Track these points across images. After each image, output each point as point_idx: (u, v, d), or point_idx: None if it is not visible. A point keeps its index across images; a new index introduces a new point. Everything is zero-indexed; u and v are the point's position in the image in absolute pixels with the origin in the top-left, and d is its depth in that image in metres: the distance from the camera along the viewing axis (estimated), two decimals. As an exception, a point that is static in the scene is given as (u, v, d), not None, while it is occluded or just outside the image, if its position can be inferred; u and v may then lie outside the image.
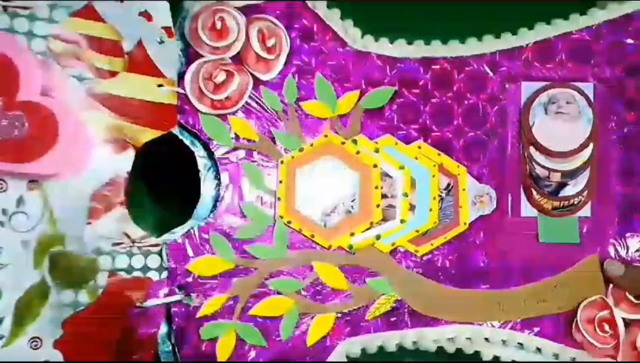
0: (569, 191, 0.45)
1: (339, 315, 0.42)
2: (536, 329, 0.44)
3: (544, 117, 0.45)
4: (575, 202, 0.45)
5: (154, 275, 0.39)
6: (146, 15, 0.40)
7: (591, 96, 0.45)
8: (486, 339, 0.44)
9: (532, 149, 0.45)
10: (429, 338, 0.43)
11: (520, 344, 0.44)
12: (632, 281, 0.43)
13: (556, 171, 0.45)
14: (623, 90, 0.45)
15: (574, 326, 0.44)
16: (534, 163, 0.45)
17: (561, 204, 0.45)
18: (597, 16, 0.45)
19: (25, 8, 0.38)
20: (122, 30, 0.39)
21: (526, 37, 0.45)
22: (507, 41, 0.45)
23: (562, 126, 0.45)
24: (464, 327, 0.43)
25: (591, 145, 0.45)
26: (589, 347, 0.43)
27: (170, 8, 0.40)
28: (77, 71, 0.38)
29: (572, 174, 0.45)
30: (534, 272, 0.44)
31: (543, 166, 0.45)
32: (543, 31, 0.45)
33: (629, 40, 0.45)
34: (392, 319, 0.43)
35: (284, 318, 0.41)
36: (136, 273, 0.38)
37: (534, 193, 0.45)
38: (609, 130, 0.45)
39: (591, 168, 0.45)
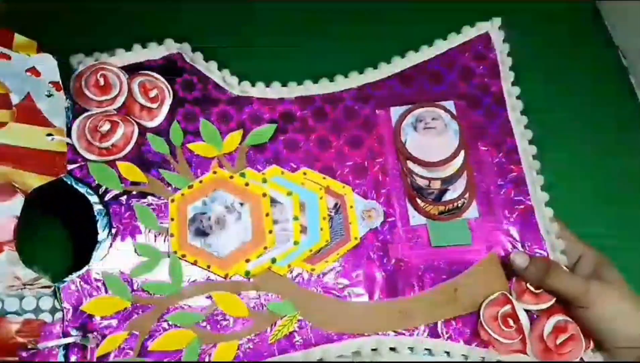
0: (450, 195, 0.48)
1: (242, 341, 0.42)
2: (444, 332, 0.45)
3: (414, 134, 0.49)
4: (459, 204, 0.48)
5: (46, 317, 0.39)
6: (34, 71, 0.43)
7: (453, 111, 0.50)
8: (392, 348, 0.44)
9: (410, 164, 0.49)
10: (333, 353, 0.43)
11: (428, 349, 0.44)
12: (538, 271, 0.45)
13: (435, 179, 0.49)
14: (478, 101, 0.51)
15: (479, 325, 0.45)
16: (413, 176, 0.49)
17: (446, 208, 0.48)
18: (441, 46, 0.52)
19: None
20: (9, 85, 0.42)
21: (386, 69, 0.51)
22: (371, 75, 0.51)
23: (432, 139, 0.49)
24: (369, 339, 0.44)
25: (462, 152, 0.49)
26: (496, 344, 0.44)
27: (58, 65, 0.44)
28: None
29: (450, 180, 0.49)
30: (433, 277, 0.46)
31: (422, 177, 0.49)
32: (400, 64, 0.51)
33: (473, 62, 0.52)
34: (296, 339, 0.43)
35: (185, 351, 0.41)
36: (27, 315, 0.38)
37: (419, 201, 0.48)
38: (474, 137, 0.50)
39: (467, 172, 0.49)
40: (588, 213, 0.53)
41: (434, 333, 0.45)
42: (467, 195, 0.48)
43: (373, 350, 0.44)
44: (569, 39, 0.62)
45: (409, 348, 0.44)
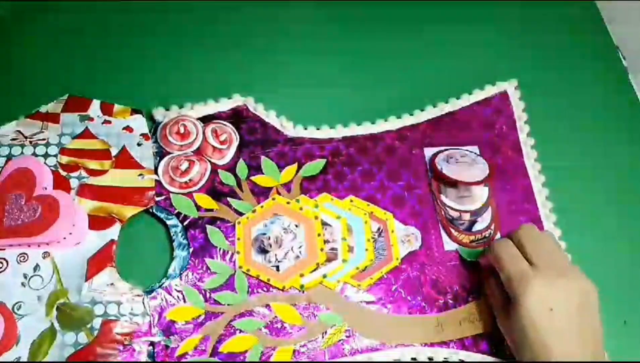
0: (479, 226, 0.55)
1: (297, 346, 0.49)
2: (473, 346, 0.50)
3: (447, 165, 0.56)
4: (487, 234, 0.54)
5: (139, 320, 0.47)
6: (128, 128, 0.54)
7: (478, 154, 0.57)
8: (430, 358, 0.50)
9: (442, 197, 0.56)
10: (377, 360, 0.49)
11: (462, 360, 0.50)
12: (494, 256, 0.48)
13: (465, 211, 0.55)
14: (499, 148, 0.58)
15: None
16: (447, 208, 0.55)
17: (476, 237, 0.54)
18: (467, 99, 0.60)
19: (43, 139, 0.53)
20: (110, 142, 0.53)
21: (420, 116, 0.59)
22: (407, 120, 0.59)
23: (464, 167, 0.56)
24: (409, 349, 0.50)
25: (487, 189, 0.56)
26: None
27: (146, 115, 0.55)
28: (76, 173, 0.52)
29: (478, 212, 0.55)
30: (463, 296, 0.52)
31: (454, 209, 0.55)
32: (432, 112, 0.59)
33: (494, 116, 0.59)
34: (344, 346, 0.49)
35: (249, 353, 0.48)
36: (124, 318, 0.47)
37: (453, 231, 0.55)
38: (496, 178, 0.57)
39: (491, 207, 0.55)
40: (593, 223, 0.57)
41: (464, 346, 0.50)
42: (492, 226, 0.55)
43: (412, 359, 0.50)
44: (569, 39, 0.65)
45: (444, 358, 0.50)
